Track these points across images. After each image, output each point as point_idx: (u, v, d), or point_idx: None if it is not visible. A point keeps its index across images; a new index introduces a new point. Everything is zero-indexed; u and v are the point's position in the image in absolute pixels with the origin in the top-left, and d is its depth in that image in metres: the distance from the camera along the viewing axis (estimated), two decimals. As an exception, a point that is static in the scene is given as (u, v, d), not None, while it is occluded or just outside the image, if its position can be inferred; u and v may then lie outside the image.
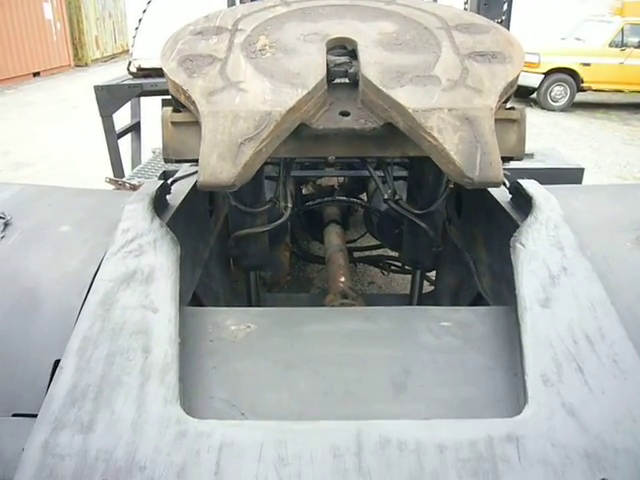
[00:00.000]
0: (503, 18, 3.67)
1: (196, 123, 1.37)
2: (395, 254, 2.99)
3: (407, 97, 1.32)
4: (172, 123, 1.45)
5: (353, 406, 1.12)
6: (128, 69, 3.79)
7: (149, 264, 1.29)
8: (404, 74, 1.40)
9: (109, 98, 3.57)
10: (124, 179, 3.32)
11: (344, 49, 1.58)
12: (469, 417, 1.05)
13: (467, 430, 0.98)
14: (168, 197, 1.67)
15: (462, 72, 1.41)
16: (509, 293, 1.30)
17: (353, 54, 1.53)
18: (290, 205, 2.12)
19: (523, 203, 1.54)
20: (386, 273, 3.35)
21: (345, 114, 1.42)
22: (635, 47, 12.36)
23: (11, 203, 1.63)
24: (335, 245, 2.74)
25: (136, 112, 4.65)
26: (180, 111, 1.47)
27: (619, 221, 1.53)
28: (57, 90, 13.92)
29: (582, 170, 2.99)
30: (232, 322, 1.33)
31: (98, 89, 3.57)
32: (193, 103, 1.35)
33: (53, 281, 1.34)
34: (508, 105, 1.50)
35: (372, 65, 1.42)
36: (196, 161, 1.30)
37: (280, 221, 2.04)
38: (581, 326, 1.15)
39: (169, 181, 1.77)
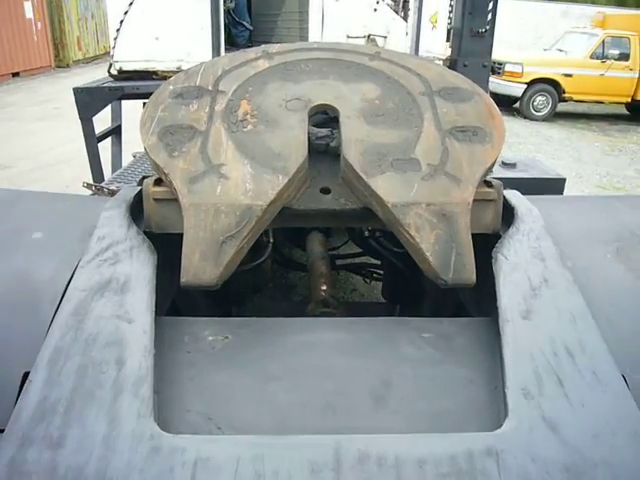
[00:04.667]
0: (487, 28, 3.70)
1: (177, 200, 1.35)
2: (377, 262, 2.98)
3: (386, 188, 1.33)
4: (154, 199, 1.43)
5: (332, 419, 1.10)
6: (109, 71, 3.74)
7: (124, 273, 1.26)
8: (385, 156, 1.40)
9: (89, 101, 3.52)
10: (103, 184, 3.28)
11: (326, 114, 1.58)
12: (449, 431, 1.04)
13: (447, 444, 0.97)
14: None
15: (442, 154, 1.42)
16: (491, 304, 1.30)
17: (335, 120, 1.53)
18: (272, 240, 2.12)
19: (505, 214, 1.54)
20: (368, 281, 3.34)
21: (326, 191, 1.42)
22: (615, 59, 12.62)
23: None
24: (317, 252, 2.72)
25: (117, 115, 4.60)
26: (162, 181, 1.45)
27: (600, 232, 1.54)
28: (38, 91, 13.71)
29: (564, 180, 3.01)
30: (210, 332, 1.30)
31: (78, 91, 3.51)
32: (175, 189, 1.34)
33: (23, 289, 1.30)
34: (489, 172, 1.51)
35: (353, 144, 1.42)
36: (180, 235, 1.30)
37: (261, 259, 2.06)
38: (561, 338, 1.15)
39: None
